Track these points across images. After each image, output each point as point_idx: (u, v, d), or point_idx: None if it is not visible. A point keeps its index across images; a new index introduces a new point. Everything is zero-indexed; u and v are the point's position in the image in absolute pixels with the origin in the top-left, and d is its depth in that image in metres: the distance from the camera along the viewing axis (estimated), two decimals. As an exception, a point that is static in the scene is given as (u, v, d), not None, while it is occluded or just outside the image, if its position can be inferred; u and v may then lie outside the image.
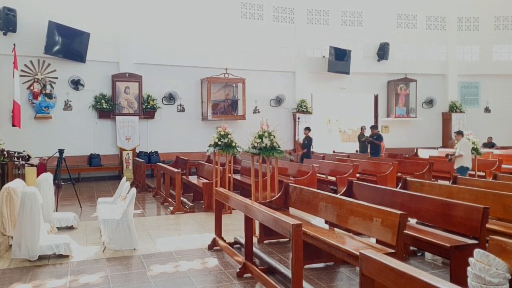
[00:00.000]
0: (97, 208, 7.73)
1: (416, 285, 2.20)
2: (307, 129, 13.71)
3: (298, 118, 15.78)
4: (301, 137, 16.10)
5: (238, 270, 4.85)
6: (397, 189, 6.11)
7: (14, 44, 10.59)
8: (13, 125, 10.52)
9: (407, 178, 6.71)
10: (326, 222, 5.34)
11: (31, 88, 12.89)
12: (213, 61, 14.74)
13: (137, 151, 13.97)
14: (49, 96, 13.03)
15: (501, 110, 18.34)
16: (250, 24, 15.69)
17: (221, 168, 8.38)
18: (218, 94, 15.07)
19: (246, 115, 14.88)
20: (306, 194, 5.71)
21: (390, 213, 4.05)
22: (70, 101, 13.45)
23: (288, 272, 4.48)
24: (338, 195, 5.58)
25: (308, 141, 13.50)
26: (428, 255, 5.49)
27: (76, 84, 13.46)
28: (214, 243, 5.90)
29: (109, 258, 5.52)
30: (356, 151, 15.98)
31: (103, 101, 13.56)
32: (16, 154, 7.66)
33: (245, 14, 15.73)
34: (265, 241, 6.14)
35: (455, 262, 4.14)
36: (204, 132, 14.17)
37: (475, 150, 8.85)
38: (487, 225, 4.41)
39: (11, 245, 5.57)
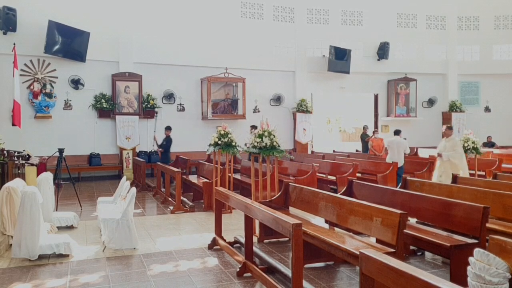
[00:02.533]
0: (97, 208, 7.73)
1: (416, 285, 2.20)
2: (168, 128, 12.38)
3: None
4: (301, 136, 16.13)
5: (238, 270, 4.85)
6: (397, 189, 6.11)
7: (14, 44, 10.58)
8: (13, 125, 10.50)
9: (407, 178, 6.71)
10: (326, 221, 5.35)
11: (31, 87, 12.89)
12: (213, 60, 14.74)
13: (137, 150, 13.97)
14: (49, 95, 13.03)
15: (501, 110, 18.34)
16: (250, 24, 15.68)
17: (221, 167, 8.38)
18: (218, 94, 15.07)
19: (246, 114, 14.88)
20: (306, 193, 5.71)
21: (390, 213, 4.05)
22: (70, 100, 13.45)
23: (288, 272, 4.48)
24: (338, 195, 5.58)
25: (167, 142, 12.28)
26: (428, 255, 5.49)
27: (76, 83, 13.46)
28: (214, 243, 5.90)
29: (109, 258, 5.52)
30: (357, 150, 16.00)
31: (103, 100, 13.56)
32: (16, 154, 7.66)
33: (245, 14, 15.72)
34: (265, 241, 6.14)
35: (455, 262, 4.14)
36: (204, 131, 14.17)
37: (475, 149, 8.84)
38: (487, 225, 4.41)
39: (11, 245, 5.57)
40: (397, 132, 10.86)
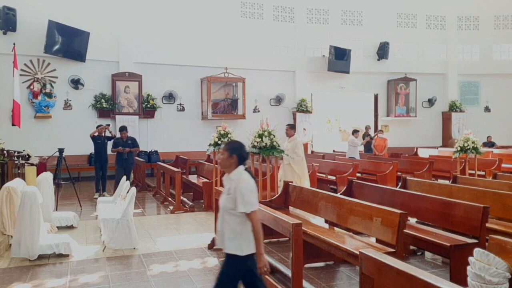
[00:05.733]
0: (97, 208, 7.73)
1: (416, 284, 2.20)
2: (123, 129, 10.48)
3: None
4: (301, 136, 16.12)
5: (238, 270, 4.85)
6: (397, 189, 6.11)
7: (14, 44, 10.57)
8: (13, 125, 10.50)
9: (407, 178, 6.71)
10: (326, 221, 5.34)
11: (31, 87, 12.88)
12: (213, 60, 14.73)
13: (137, 150, 13.96)
14: (49, 95, 13.03)
15: (501, 110, 18.33)
16: (250, 24, 15.68)
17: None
18: (218, 94, 15.06)
19: (246, 114, 14.87)
20: (306, 193, 5.71)
21: (390, 213, 4.05)
22: (70, 100, 13.45)
23: (288, 271, 4.48)
24: (338, 195, 5.59)
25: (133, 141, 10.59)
26: (428, 254, 5.49)
27: (76, 83, 13.46)
28: (214, 243, 5.90)
29: (109, 258, 5.52)
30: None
31: (103, 100, 13.56)
32: (16, 154, 7.66)
33: (245, 13, 15.71)
34: (265, 240, 6.12)
35: (455, 261, 4.14)
36: (204, 131, 14.15)
37: (475, 149, 8.82)
38: (487, 225, 4.41)
39: (11, 244, 5.57)
40: (352, 132, 11.88)
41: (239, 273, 3.20)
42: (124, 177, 7.97)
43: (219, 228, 3.27)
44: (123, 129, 10.49)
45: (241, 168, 3.25)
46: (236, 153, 3.25)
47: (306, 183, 7.77)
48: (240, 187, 3.12)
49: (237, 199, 3.11)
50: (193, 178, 10.35)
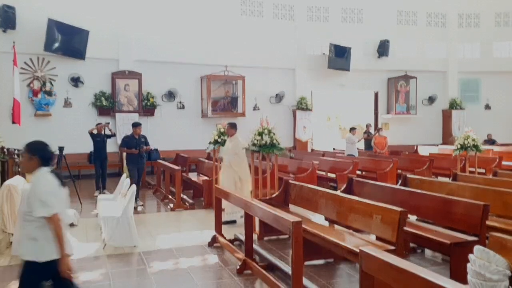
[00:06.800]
0: (97, 205, 7.74)
1: (416, 282, 2.20)
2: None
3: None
4: (301, 133, 16.09)
5: (238, 267, 4.86)
6: (397, 186, 6.11)
7: (14, 42, 10.58)
8: (13, 123, 10.51)
9: (407, 175, 6.71)
10: (326, 219, 5.35)
11: (31, 85, 12.88)
12: (213, 58, 14.71)
13: (137, 148, 13.95)
14: (49, 93, 13.03)
15: (501, 107, 18.32)
16: (250, 21, 15.65)
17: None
18: (217, 91, 15.05)
19: (246, 112, 14.87)
20: (306, 191, 5.71)
21: (390, 210, 4.05)
22: (70, 98, 13.44)
23: (288, 269, 4.48)
24: (338, 192, 5.59)
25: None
26: (428, 252, 5.50)
27: (76, 81, 13.45)
28: (214, 240, 5.91)
29: (110, 255, 5.53)
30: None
31: (103, 98, 13.56)
32: (16, 152, 7.67)
33: (245, 11, 15.69)
34: (265, 238, 6.15)
35: (455, 259, 4.15)
36: (204, 129, 14.15)
37: (475, 147, 8.81)
38: (487, 222, 4.41)
39: (11, 242, 5.58)
40: (350, 130, 13.00)
41: (39, 281, 3.03)
42: (124, 175, 7.97)
43: (15, 234, 3.09)
44: (137, 124, 9.20)
45: (43, 170, 3.09)
46: (37, 154, 3.09)
47: (246, 186, 7.19)
48: (37, 190, 2.97)
49: (34, 202, 2.95)
50: (193, 176, 10.36)
